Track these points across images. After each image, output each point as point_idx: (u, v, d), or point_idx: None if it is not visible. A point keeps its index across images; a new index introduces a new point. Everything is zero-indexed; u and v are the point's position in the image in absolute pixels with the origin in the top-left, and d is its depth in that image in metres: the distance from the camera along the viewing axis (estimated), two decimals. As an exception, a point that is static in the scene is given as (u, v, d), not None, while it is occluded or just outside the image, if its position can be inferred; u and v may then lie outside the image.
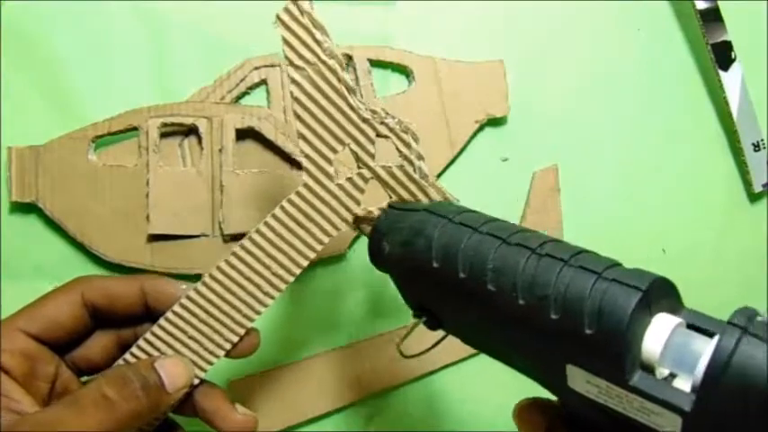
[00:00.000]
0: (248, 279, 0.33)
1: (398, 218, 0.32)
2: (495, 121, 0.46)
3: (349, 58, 0.44)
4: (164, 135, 0.42)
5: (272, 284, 0.34)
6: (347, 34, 0.45)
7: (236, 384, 0.42)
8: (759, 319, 0.21)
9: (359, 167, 0.33)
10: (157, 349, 0.33)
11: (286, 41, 0.32)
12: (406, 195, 0.33)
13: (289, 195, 0.33)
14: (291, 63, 0.32)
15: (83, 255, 0.42)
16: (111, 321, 0.34)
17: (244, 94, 0.44)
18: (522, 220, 0.46)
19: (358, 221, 0.34)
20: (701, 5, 0.46)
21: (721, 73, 0.46)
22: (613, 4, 0.48)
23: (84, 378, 0.34)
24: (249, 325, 0.34)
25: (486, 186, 0.45)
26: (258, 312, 0.34)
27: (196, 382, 0.34)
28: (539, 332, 0.24)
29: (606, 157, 0.47)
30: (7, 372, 0.30)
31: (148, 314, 0.34)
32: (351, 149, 0.33)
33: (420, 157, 0.33)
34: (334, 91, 0.32)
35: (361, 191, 0.33)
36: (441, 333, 0.32)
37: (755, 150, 0.47)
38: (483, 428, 0.45)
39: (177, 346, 0.33)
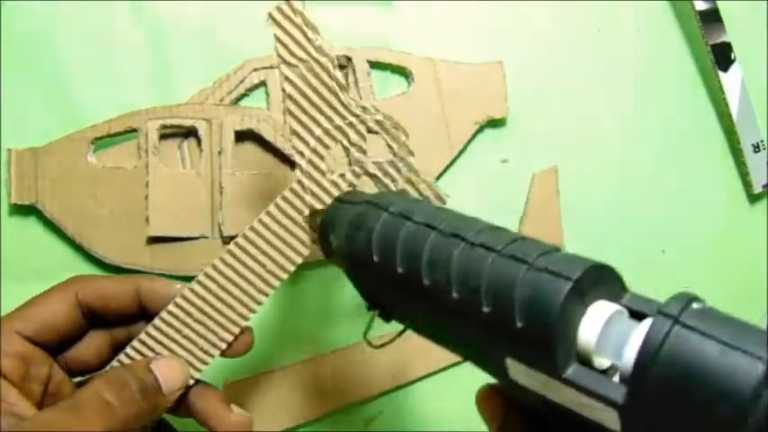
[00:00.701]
0: (243, 277, 0.33)
1: (343, 211, 0.31)
2: (495, 123, 0.46)
3: (348, 59, 0.44)
4: (163, 137, 0.43)
5: (266, 282, 0.34)
6: (346, 36, 0.45)
7: (231, 386, 0.42)
8: (695, 306, 0.20)
9: (350, 164, 0.34)
10: (152, 349, 0.33)
11: (278, 39, 0.32)
12: (390, 188, 0.34)
13: (282, 192, 0.33)
14: (283, 60, 0.32)
15: (82, 256, 0.42)
16: (104, 321, 0.34)
17: (243, 95, 0.44)
18: (522, 222, 0.46)
19: (311, 216, 0.33)
20: (700, 6, 0.46)
21: (721, 74, 0.46)
22: (613, 5, 0.48)
23: (77, 378, 0.34)
24: (244, 323, 0.34)
25: (485, 188, 0.45)
26: (253, 311, 0.34)
27: (191, 382, 0.33)
28: (474, 325, 0.24)
29: (606, 159, 0.47)
30: (4, 375, 0.30)
31: (143, 314, 0.34)
32: (342, 146, 0.33)
33: (410, 153, 0.34)
34: (325, 88, 0.32)
35: (353, 187, 0.34)
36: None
37: (755, 151, 0.47)
38: (486, 429, 0.45)
39: (172, 346, 0.33)
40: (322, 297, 0.44)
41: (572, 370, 0.21)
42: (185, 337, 0.33)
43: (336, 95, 0.33)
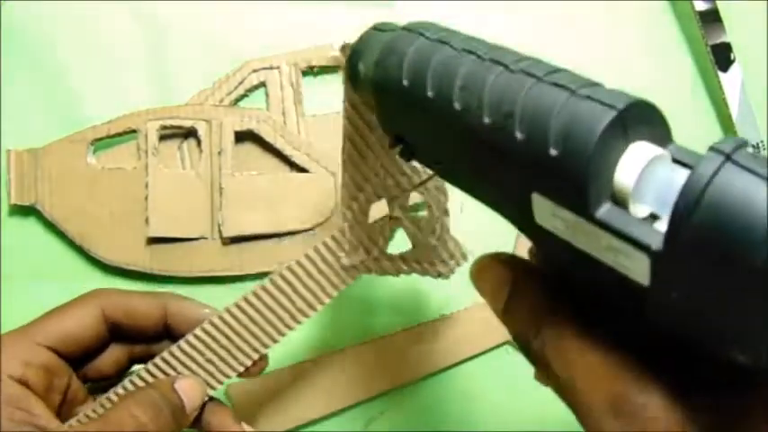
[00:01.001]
0: (272, 311, 0.34)
1: (376, 37, 0.30)
2: (495, 123, 0.46)
3: (348, 60, 0.44)
4: (163, 138, 0.43)
5: (293, 317, 0.35)
6: (347, 36, 0.45)
7: (234, 388, 0.42)
8: (749, 149, 0.18)
9: (390, 217, 0.34)
10: (173, 368, 0.34)
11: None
12: (427, 246, 0.35)
13: (325, 239, 0.34)
14: (350, 102, 0.31)
15: (82, 257, 0.42)
16: (127, 336, 0.34)
17: (242, 96, 0.44)
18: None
19: (342, 48, 0.32)
20: (700, 7, 0.46)
21: (721, 74, 0.46)
22: (613, 5, 0.48)
23: (88, 384, 0.34)
24: (264, 351, 0.35)
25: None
26: (275, 341, 0.35)
27: (205, 399, 0.34)
28: (504, 155, 0.22)
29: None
30: (28, 386, 0.30)
31: (167, 333, 0.34)
32: (387, 199, 0.34)
33: (446, 213, 0.34)
34: (381, 146, 0.32)
35: (389, 235, 0.35)
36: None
37: (755, 152, 0.47)
38: (486, 429, 0.45)
39: (193, 366, 0.34)
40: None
41: (605, 209, 0.19)
42: (207, 360, 0.34)
43: (389, 153, 0.32)
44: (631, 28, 0.48)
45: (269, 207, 0.42)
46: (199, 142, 0.43)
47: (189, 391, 0.33)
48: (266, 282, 0.34)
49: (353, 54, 0.30)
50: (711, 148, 0.18)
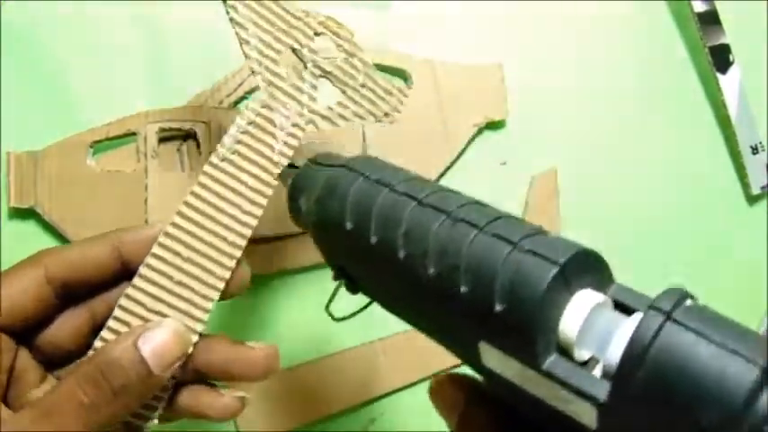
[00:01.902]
0: (226, 200, 0.31)
1: (316, 173, 0.29)
2: (494, 125, 0.46)
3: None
4: (162, 140, 0.42)
5: (252, 201, 0.31)
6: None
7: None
8: (688, 303, 0.18)
9: (305, 67, 0.33)
10: (139, 314, 0.29)
11: None
12: (357, 87, 0.35)
13: (247, 104, 0.33)
14: None
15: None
16: (81, 295, 0.29)
17: (242, 98, 0.44)
18: (521, 224, 0.46)
19: (281, 175, 0.32)
20: (698, 8, 0.46)
21: (719, 76, 0.47)
22: (611, 6, 0.48)
23: (57, 372, 0.30)
24: (238, 254, 0.31)
25: (484, 190, 0.45)
26: (244, 237, 0.31)
27: (195, 339, 0.30)
28: (450, 305, 0.22)
29: (605, 160, 0.47)
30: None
31: (126, 275, 0.30)
32: (293, 50, 0.33)
33: (359, 49, 0.35)
34: None
35: (315, 88, 0.34)
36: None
37: (754, 153, 0.47)
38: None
39: (165, 296, 0.29)
40: (321, 303, 0.44)
41: (551, 360, 0.20)
42: (178, 282, 0.30)
43: (276, 2, 0.33)
44: (630, 29, 0.48)
45: (268, 210, 0.42)
46: (198, 144, 0.42)
47: (158, 346, 0.27)
48: (206, 167, 0.31)
49: (294, 189, 0.31)
50: (651, 306, 0.18)
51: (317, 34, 0.34)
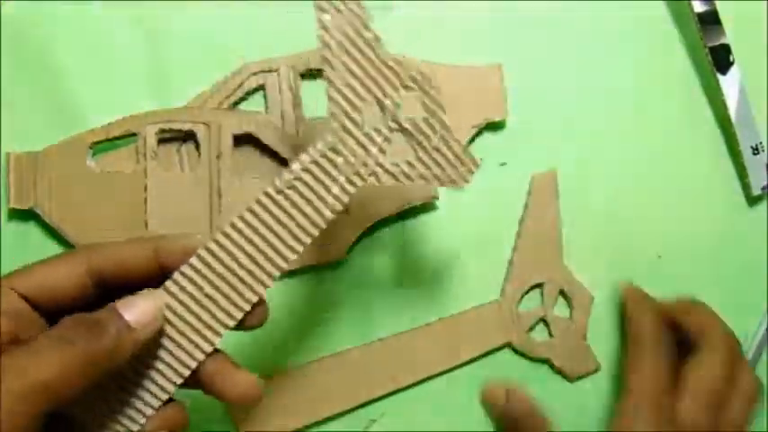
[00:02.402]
0: (273, 231, 0.32)
1: None
2: (493, 126, 0.46)
3: (347, 63, 0.44)
4: (162, 141, 0.43)
5: (296, 238, 0.32)
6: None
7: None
8: None
9: (384, 119, 0.33)
10: (170, 309, 0.31)
11: None
12: (429, 148, 0.34)
13: (318, 146, 0.32)
14: (320, 8, 0.32)
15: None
16: (117, 291, 0.30)
17: (241, 99, 0.44)
18: (521, 225, 0.46)
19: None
20: (698, 8, 0.46)
21: (719, 76, 0.46)
22: (611, 7, 0.48)
23: None
24: (269, 284, 0.32)
25: (484, 191, 0.45)
26: (280, 269, 0.32)
27: (209, 349, 0.31)
28: None
29: (604, 161, 0.47)
30: None
31: (162, 279, 0.31)
32: (377, 99, 0.33)
33: (443, 110, 0.33)
34: (362, 39, 0.32)
35: (388, 141, 0.33)
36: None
37: (754, 153, 0.47)
38: (486, 430, 0.45)
39: (192, 305, 0.31)
40: (325, 303, 0.44)
41: None
42: (207, 295, 0.31)
43: (371, 47, 0.32)
44: (629, 30, 0.48)
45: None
46: (197, 145, 0.43)
47: (137, 306, 0.29)
48: (261, 196, 0.31)
49: None
50: None
51: (404, 87, 0.33)
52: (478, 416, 0.45)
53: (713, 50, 0.46)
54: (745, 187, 0.48)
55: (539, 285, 0.46)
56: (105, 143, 0.42)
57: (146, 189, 0.42)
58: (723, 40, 0.46)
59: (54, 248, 0.42)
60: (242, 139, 0.43)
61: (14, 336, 0.28)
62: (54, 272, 0.30)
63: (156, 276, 0.31)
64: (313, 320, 0.44)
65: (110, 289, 0.31)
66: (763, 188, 0.48)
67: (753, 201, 0.49)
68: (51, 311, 0.30)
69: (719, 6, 0.46)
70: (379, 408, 0.44)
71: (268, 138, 0.43)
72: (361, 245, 0.44)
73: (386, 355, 0.44)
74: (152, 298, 0.29)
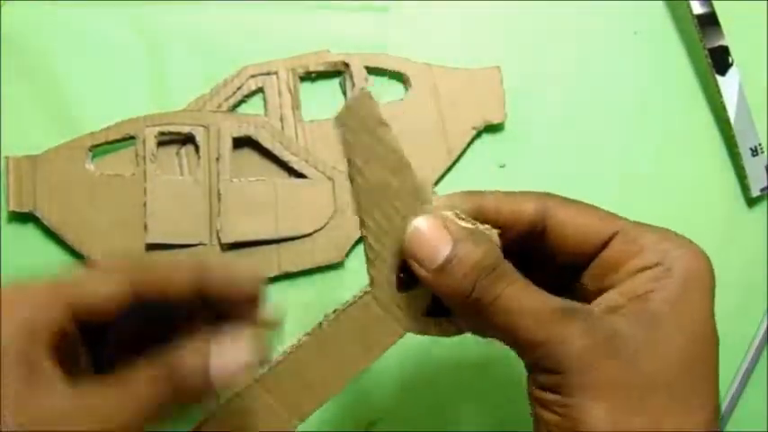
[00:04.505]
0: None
1: None
2: (493, 128, 0.46)
3: (346, 65, 0.44)
4: (161, 144, 0.43)
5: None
6: (344, 41, 0.45)
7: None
8: None
9: None
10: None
11: (347, 135, 0.28)
12: None
13: (350, 306, 0.31)
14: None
15: (81, 264, 0.42)
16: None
17: (240, 102, 0.44)
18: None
19: None
20: (697, 10, 0.46)
21: (718, 78, 0.46)
22: (610, 8, 0.48)
23: None
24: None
25: (483, 193, 0.45)
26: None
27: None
28: None
29: (604, 163, 0.47)
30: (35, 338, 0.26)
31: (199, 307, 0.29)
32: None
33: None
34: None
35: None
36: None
37: (753, 155, 0.47)
38: (486, 430, 0.45)
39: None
40: (324, 305, 0.44)
41: None
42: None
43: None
44: (628, 32, 0.48)
45: (267, 213, 0.42)
46: (197, 148, 0.43)
47: (224, 357, 0.27)
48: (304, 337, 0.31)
49: None
50: None
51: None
52: (479, 415, 0.45)
53: (712, 52, 0.46)
54: (745, 189, 0.48)
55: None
56: (104, 146, 0.42)
57: (145, 192, 0.42)
58: (722, 42, 0.46)
59: (53, 251, 0.42)
60: (241, 142, 0.43)
61: (56, 348, 0.27)
62: (98, 287, 0.28)
63: (193, 302, 0.29)
64: (312, 322, 0.44)
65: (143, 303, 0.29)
66: (762, 189, 0.48)
67: (752, 202, 0.49)
68: (88, 324, 0.28)
69: (718, 8, 0.46)
70: (379, 410, 0.44)
71: (267, 140, 0.43)
72: (360, 247, 0.44)
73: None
74: (245, 352, 0.28)
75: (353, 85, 0.44)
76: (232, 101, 0.43)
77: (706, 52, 0.46)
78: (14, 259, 0.42)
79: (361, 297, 0.31)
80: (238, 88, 0.44)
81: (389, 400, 0.44)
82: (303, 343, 0.31)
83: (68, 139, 0.42)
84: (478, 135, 0.46)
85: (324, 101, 0.44)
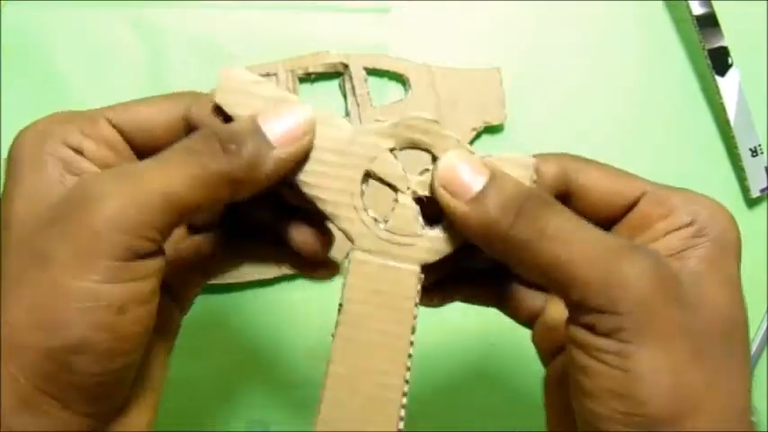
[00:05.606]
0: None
1: None
2: (492, 129, 0.46)
3: (345, 66, 0.44)
4: (161, 144, 0.43)
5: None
6: (344, 42, 0.45)
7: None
8: None
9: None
10: None
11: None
12: None
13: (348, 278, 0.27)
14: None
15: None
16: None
17: (240, 102, 0.44)
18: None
19: None
20: (697, 10, 0.46)
21: (718, 78, 0.46)
22: (610, 9, 0.48)
23: None
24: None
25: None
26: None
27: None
28: None
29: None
30: (86, 156, 0.25)
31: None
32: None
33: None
34: None
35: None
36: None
37: (753, 156, 0.47)
38: (486, 429, 0.45)
39: None
40: (323, 306, 0.44)
41: None
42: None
43: None
44: (628, 32, 0.48)
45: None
46: (197, 149, 0.42)
47: (282, 122, 0.25)
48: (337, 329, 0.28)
49: None
50: None
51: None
52: (479, 415, 0.45)
53: (712, 53, 0.46)
54: (744, 189, 0.48)
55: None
56: (104, 147, 0.42)
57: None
58: (722, 43, 0.47)
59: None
60: (241, 143, 0.43)
61: (109, 165, 0.25)
62: (150, 110, 0.27)
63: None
64: (312, 321, 0.44)
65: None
66: (762, 190, 0.48)
67: (752, 203, 0.49)
68: (144, 150, 0.26)
69: (718, 8, 0.46)
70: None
71: (267, 141, 0.43)
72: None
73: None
74: (301, 110, 0.25)
75: (353, 86, 0.44)
76: (232, 101, 0.43)
77: (706, 53, 0.46)
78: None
79: (350, 262, 0.27)
80: (238, 89, 0.43)
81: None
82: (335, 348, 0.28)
83: (68, 139, 0.42)
84: (478, 136, 0.46)
85: (323, 102, 0.44)
